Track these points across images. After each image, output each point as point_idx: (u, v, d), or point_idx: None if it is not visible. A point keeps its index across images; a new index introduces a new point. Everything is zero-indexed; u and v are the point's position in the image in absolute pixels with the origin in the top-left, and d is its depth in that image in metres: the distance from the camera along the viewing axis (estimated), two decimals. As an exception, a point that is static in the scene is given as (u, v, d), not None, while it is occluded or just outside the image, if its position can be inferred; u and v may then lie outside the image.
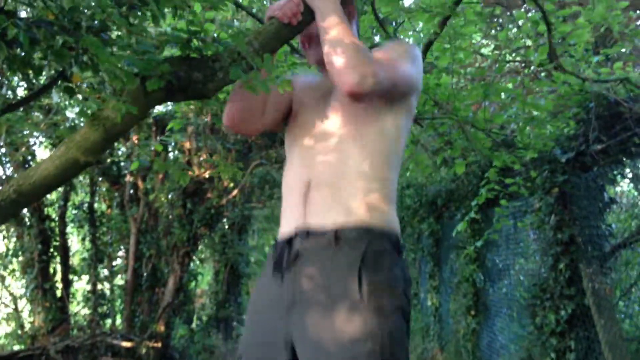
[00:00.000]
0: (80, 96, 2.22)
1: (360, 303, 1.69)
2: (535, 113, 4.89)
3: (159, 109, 8.07)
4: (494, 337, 7.36)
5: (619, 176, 5.38)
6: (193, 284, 10.51)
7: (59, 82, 1.99)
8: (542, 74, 5.25)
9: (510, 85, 4.85)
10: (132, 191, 9.31)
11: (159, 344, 8.45)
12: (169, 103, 7.76)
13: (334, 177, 1.87)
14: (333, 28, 1.86)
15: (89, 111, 1.93)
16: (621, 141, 5.03)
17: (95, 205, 10.49)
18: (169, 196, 8.58)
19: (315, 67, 2.21)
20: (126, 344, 8.27)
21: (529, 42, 5.31)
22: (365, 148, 1.88)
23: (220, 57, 2.05)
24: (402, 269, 1.86)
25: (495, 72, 4.98)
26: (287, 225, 1.94)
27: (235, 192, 8.46)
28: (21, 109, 6.54)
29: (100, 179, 9.77)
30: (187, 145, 7.87)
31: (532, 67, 5.46)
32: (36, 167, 1.95)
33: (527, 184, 5.84)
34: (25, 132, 7.03)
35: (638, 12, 5.28)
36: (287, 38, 2.16)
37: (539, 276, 5.77)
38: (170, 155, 9.04)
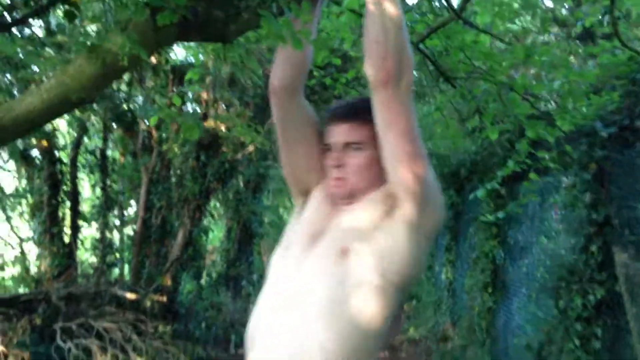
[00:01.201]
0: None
1: None
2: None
3: (176, 56, 7.75)
4: (510, 317, 7.09)
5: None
6: (203, 239, 10.28)
7: (59, 3, 1.71)
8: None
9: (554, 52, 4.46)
10: (145, 140, 9.03)
11: (164, 298, 8.26)
12: (186, 44, 7.44)
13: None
14: (390, 6, 1.71)
15: (88, 42, 1.64)
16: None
17: (108, 152, 10.25)
18: (183, 147, 8.28)
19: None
20: (131, 296, 8.08)
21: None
22: (336, 339, 1.63)
23: (247, -6, 1.75)
24: None
25: (540, 30, 4.60)
26: None
27: (250, 147, 8.16)
28: (36, 47, 6.25)
29: (114, 125, 9.50)
30: (205, 96, 7.56)
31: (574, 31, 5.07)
32: (20, 100, 1.67)
33: (560, 159, 5.55)
34: (36, 70, 6.77)
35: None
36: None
37: (565, 257, 5.47)
38: (188, 106, 8.75)
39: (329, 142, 1.91)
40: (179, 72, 7.80)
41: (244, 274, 12.63)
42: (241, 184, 11.74)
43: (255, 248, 14.07)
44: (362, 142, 1.86)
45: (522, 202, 5.88)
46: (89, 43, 1.73)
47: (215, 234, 13.98)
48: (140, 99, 8.87)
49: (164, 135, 8.58)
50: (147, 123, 8.12)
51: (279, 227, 17.78)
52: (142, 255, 8.92)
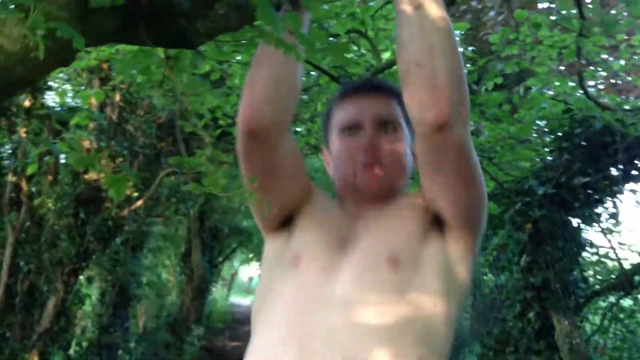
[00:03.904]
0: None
1: None
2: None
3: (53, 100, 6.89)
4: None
5: (595, 215, 4.78)
6: (77, 307, 9.23)
7: None
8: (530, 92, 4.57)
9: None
10: (13, 193, 7.93)
11: (30, 377, 7.15)
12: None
13: None
14: (436, 14, 1.20)
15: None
16: (605, 177, 4.46)
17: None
18: (58, 202, 7.28)
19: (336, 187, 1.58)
20: (-11, 376, 6.95)
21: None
22: (396, 352, 1.22)
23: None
24: None
25: (484, 84, 4.24)
26: None
27: (139, 202, 7.33)
28: None
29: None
30: (87, 144, 6.71)
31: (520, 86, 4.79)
32: None
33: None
34: None
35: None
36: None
37: (493, 323, 5.11)
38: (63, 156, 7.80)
39: (354, 121, 1.49)
40: (55, 117, 6.94)
41: (119, 341, 11.55)
42: (118, 242, 10.82)
43: (132, 312, 13.10)
44: (399, 121, 1.51)
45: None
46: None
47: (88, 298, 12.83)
48: (7, 148, 7.84)
49: (34, 189, 7.57)
50: (18, 173, 7.14)
51: (157, 287, 16.72)
52: (4, 327, 7.73)
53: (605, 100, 4.38)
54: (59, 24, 0.91)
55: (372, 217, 1.44)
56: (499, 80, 4.53)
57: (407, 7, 1.20)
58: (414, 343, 1.23)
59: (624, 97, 7.61)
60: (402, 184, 1.51)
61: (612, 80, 6.68)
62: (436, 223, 1.40)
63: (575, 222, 4.74)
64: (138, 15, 1.10)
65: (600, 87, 8.51)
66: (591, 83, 8.14)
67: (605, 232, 5.05)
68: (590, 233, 5.19)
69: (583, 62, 3.71)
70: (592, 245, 4.83)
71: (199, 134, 1.29)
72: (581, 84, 3.09)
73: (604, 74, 6.12)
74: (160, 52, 1.32)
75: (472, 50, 6.08)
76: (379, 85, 1.56)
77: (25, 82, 1.12)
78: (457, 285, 1.37)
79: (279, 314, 1.31)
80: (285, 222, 1.49)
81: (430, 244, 1.37)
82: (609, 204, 4.83)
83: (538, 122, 4.64)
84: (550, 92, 4.48)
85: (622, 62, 4.49)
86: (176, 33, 1.18)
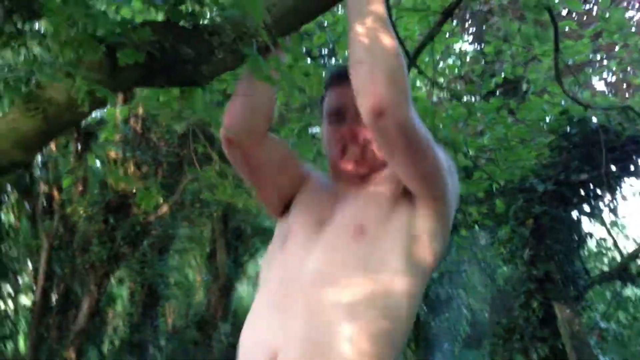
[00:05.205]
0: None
1: None
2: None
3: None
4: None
5: (596, 209, 5.01)
6: (110, 307, 9.61)
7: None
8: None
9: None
10: (45, 202, 8.34)
11: (67, 374, 7.52)
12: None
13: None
14: (374, 22, 1.39)
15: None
16: (599, 174, 4.68)
17: (2, 216, 9.44)
18: (89, 210, 7.66)
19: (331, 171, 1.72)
20: (29, 374, 7.33)
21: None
22: (360, 324, 1.37)
23: (220, 29, 1.45)
24: None
25: (482, 89, 4.50)
26: None
27: (165, 208, 7.68)
28: None
29: (9, 187, 8.76)
30: (112, 155, 7.07)
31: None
32: None
33: (489, 213, 5.50)
34: None
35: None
36: (309, 15, 1.58)
37: (504, 313, 5.36)
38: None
39: (335, 108, 1.65)
40: (83, 129, 7.32)
41: (149, 339, 11.94)
42: (145, 245, 11.20)
43: (161, 311, 13.46)
44: None
45: (456, 260, 5.78)
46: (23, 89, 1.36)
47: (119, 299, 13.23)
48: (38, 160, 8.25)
49: (65, 198, 7.97)
50: (50, 184, 7.54)
51: (185, 287, 17.10)
52: (43, 327, 8.15)
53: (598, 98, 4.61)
54: (96, 86, 1.23)
55: (351, 194, 1.57)
56: (499, 79, 4.78)
57: (351, 15, 1.41)
58: (378, 317, 1.38)
59: (631, 91, 7.80)
60: (382, 162, 1.59)
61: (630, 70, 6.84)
62: (408, 193, 1.50)
63: (575, 216, 4.97)
64: (155, 65, 1.42)
65: (612, 79, 8.69)
66: (604, 75, 8.33)
67: (607, 225, 5.28)
68: (596, 226, 5.39)
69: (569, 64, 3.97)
70: (591, 237, 5.05)
71: (209, 153, 1.58)
72: (560, 84, 3.34)
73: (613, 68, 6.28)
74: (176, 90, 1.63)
75: (480, 50, 6.32)
76: None
77: (72, 123, 1.45)
78: (419, 263, 1.46)
79: (268, 287, 1.53)
80: (287, 207, 1.70)
81: (399, 210, 1.49)
82: (609, 198, 5.05)
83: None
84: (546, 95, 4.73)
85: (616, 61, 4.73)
86: (185, 76, 1.49)
